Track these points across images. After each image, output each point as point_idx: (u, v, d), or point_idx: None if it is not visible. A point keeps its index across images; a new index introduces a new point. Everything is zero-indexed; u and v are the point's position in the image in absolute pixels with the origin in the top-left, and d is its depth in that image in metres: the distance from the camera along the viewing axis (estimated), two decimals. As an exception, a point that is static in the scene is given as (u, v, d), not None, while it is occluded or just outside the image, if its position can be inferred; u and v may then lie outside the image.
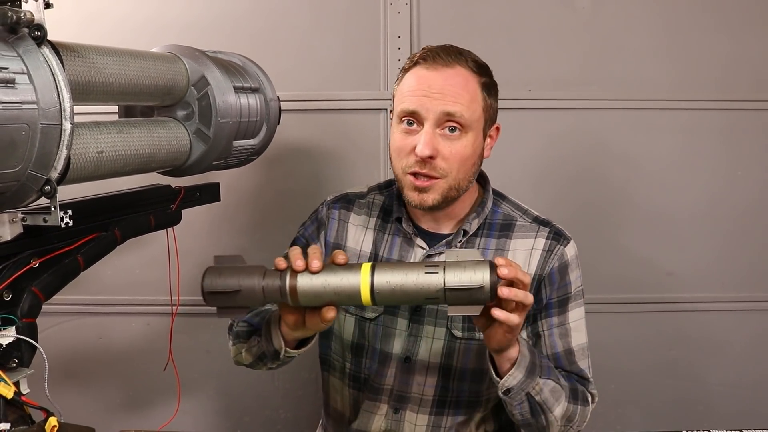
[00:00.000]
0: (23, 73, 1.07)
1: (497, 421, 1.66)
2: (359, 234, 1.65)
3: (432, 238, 1.57)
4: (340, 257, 1.23)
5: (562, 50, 2.40)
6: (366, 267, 1.21)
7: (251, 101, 1.72)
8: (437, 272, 1.18)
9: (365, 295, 1.19)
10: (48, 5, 1.12)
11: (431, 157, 1.40)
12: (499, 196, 1.64)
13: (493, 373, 1.39)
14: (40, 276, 1.31)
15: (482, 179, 1.62)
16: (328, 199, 1.73)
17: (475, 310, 1.20)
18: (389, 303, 1.24)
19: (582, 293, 1.57)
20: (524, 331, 1.55)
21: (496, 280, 1.17)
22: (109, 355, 2.61)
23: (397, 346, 1.56)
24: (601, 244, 2.45)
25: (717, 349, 2.56)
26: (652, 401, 2.58)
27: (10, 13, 1.06)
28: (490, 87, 1.49)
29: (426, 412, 1.57)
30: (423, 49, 1.48)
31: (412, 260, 1.56)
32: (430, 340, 1.54)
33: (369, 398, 1.60)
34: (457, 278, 1.17)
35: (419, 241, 1.56)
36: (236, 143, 1.69)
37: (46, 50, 1.12)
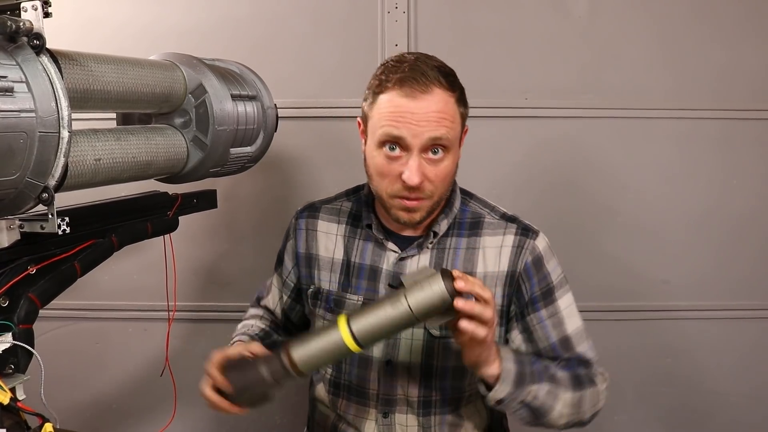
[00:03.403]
0: (22, 82, 1.08)
1: (489, 417, 1.67)
2: (329, 242, 1.67)
3: (403, 241, 1.58)
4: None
5: (558, 59, 2.41)
6: (342, 319, 1.27)
7: (248, 109, 1.72)
8: (401, 300, 1.23)
9: (352, 345, 1.25)
10: (47, 14, 1.13)
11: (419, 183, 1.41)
12: (467, 194, 1.65)
13: (483, 386, 1.41)
14: (37, 282, 1.32)
15: None
16: (297, 210, 1.76)
17: (449, 316, 1.25)
18: (376, 343, 1.32)
19: (565, 280, 1.58)
20: (515, 330, 1.56)
21: (452, 287, 1.22)
22: (106, 361, 2.62)
23: (376, 350, 1.57)
24: (596, 252, 2.47)
25: (713, 358, 2.56)
26: (648, 410, 2.58)
27: (9, 23, 1.07)
28: (462, 98, 1.48)
29: (414, 413, 1.58)
30: (389, 71, 1.43)
31: (384, 264, 1.58)
32: (409, 341, 1.55)
33: (357, 404, 1.61)
34: (419, 299, 1.23)
35: (390, 245, 1.58)
36: (233, 151, 1.70)
37: (45, 59, 1.13)
